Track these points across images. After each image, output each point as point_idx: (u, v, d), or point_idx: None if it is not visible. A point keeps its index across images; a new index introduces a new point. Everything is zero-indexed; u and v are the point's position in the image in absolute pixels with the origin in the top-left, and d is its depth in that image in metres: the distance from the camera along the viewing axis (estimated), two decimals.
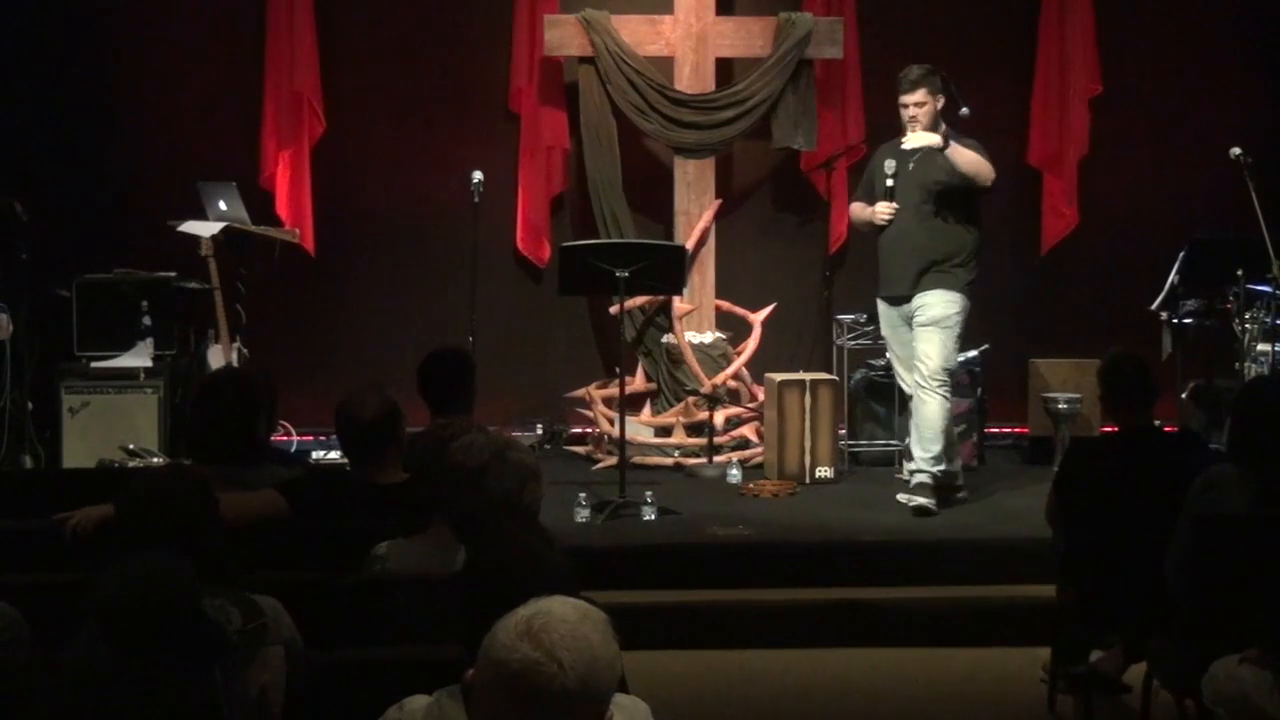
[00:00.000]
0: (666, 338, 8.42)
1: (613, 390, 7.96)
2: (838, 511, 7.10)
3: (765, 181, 9.05)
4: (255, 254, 8.21)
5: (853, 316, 8.04)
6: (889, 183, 7.10)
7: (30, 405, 7.87)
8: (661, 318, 8.45)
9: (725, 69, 8.57)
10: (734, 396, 8.37)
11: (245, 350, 8.06)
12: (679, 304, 8.23)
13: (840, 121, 8.79)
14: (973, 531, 6.74)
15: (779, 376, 7.93)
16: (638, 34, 8.38)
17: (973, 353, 8.18)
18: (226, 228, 7.95)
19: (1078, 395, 7.98)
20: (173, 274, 8.07)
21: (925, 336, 7.00)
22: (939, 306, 6.99)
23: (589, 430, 8.57)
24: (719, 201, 8.47)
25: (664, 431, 8.29)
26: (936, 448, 6.96)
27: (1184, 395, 8.02)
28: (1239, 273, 7.45)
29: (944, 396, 6.96)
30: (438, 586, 3.43)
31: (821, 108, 8.56)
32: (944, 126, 7.06)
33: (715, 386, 8.14)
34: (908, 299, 7.07)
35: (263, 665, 3.27)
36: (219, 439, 4.66)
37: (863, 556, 6.51)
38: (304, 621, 3.52)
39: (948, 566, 6.44)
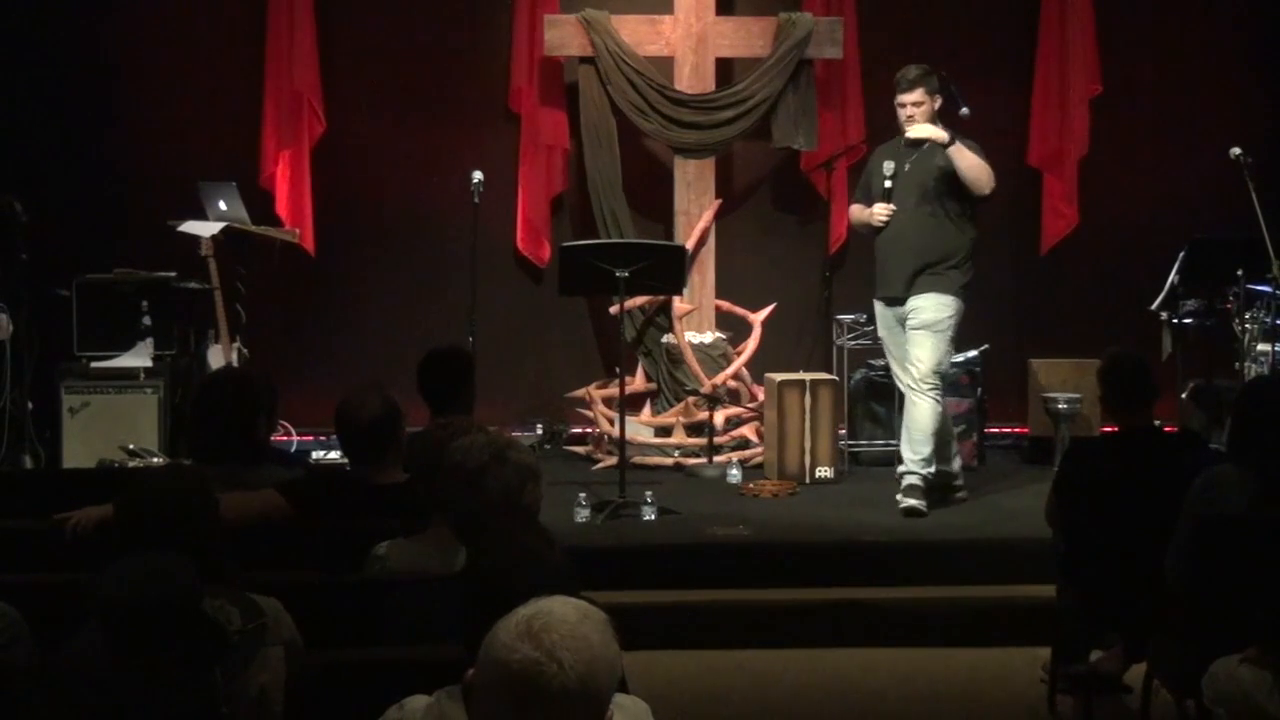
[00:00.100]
0: (666, 338, 8.42)
1: (613, 390, 7.96)
2: (838, 511, 7.10)
3: (765, 181, 9.05)
4: (255, 254, 8.21)
5: (853, 316, 8.04)
6: (886, 184, 7.10)
7: (30, 405, 7.87)
8: (661, 318, 8.45)
9: (725, 69, 8.58)
10: (734, 396, 8.37)
11: (245, 350, 8.06)
12: (679, 304, 8.23)
13: (840, 121, 8.79)
14: (972, 531, 6.74)
15: (779, 376, 7.93)
16: (638, 34, 8.39)
17: (973, 353, 8.19)
18: (226, 228, 7.95)
19: (1078, 395, 7.98)
20: (173, 274, 8.06)
21: (917, 340, 7.00)
22: (931, 310, 6.99)
23: (589, 430, 8.57)
24: (719, 201, 8.47)
25: (664, 431, 8.29)
26: (926, 450, 6.96)
27: (1184, 395, 8.02)
28: (1239, 273, 7.45)
29: (935, 400, 6.96)
30: (438, 586, 3.43)
31: (821, 108, 8.56)
32: (942, 127, 7.06)
33: (715, 386, 8.14)
34: (902, 300, 7.07)
35: (263, 665, 3.27)
36: (219, 439, 4.67)
37: (863, 556, 6.51)
38: (304, 621, 3.52)
39: (948, 566, 6.44)
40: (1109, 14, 8.85)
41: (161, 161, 8.72)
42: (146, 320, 7.90)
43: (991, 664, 5.87)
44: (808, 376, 7.90)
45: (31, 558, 4.32)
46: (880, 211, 7.10)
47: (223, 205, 8.02)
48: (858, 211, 7.35)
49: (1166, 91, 9.07)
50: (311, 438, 8.40)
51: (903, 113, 7.09)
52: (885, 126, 7.50)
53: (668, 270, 7.28)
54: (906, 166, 7.10)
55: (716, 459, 8.00)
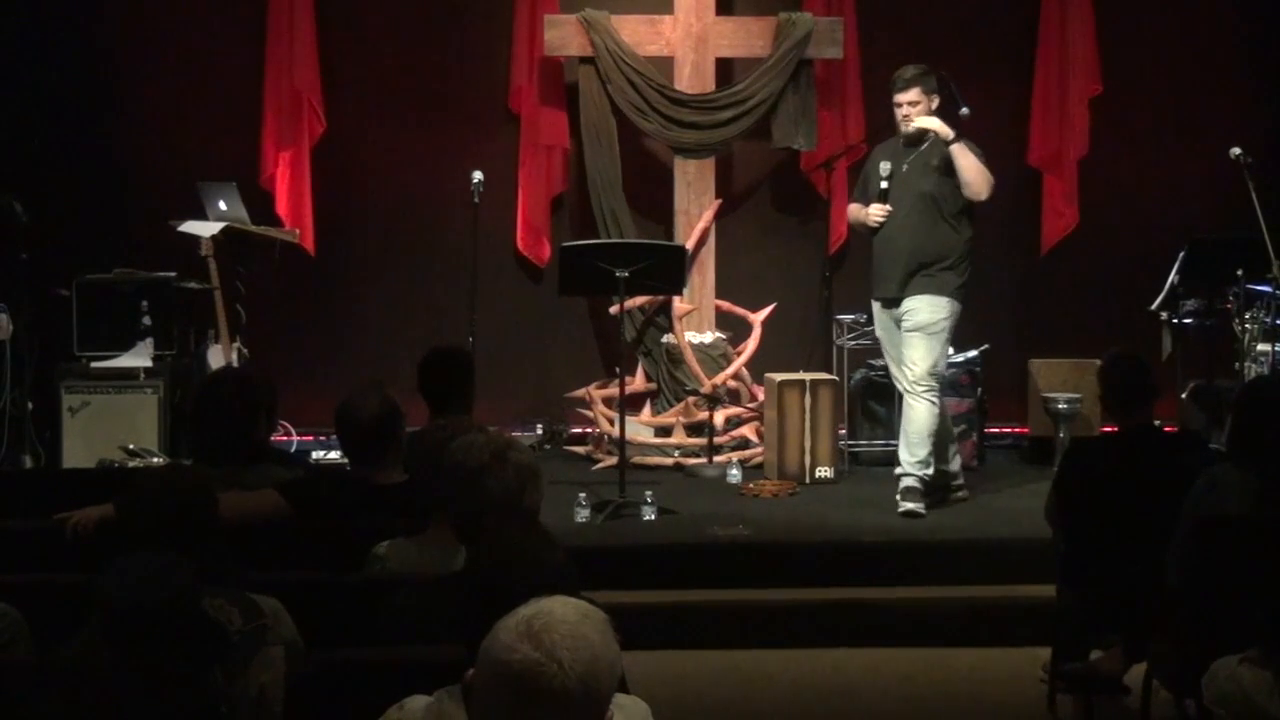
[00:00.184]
0: (666, 338, 8.42)
1: (613, 390, 7.96)
2: (838, 511, 7.10)
3: (765, 181, 9.04)
4: (255, 254, 8.21)
5: (853, 316, 8.04)
6: (882, 184, 7.09)
7: (30, 405, 7.87)
8: (661, 318, 8.45)
9: (725, 69, 8.57)
10: (734, 396, 8.37)
11: (245, 350, 8.06)
12: (679, 304, 8.23)
13: (840, 121, 8.79)
14: (972, 531, 6.74)
15: (779, 376, 7.93)
16: (638, 34, 8.38)
17: (973, 353, 8.19)
18: (226, 228, 7.95)
19: (1078, 395, 7.98)
20: (173, 274, 8.06)
21: (911, 342, 6.99)
22: (925, 312, 6.98)
23: (589, 430, 8.57)
24: (719, 201, 8.47)
25: (664, 431, 8.29)
26: (923, 452, 6.96)
27: (1184, 395, 8.01)
28: (1239, 273, 7.44)
29: (930, 401, 6.95)
30: (438, 586, 3.43)
31: (821, 108, 8.56)
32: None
33: (715, 386, 8.14)
34: (898, 301, 7.06)
35: (263, 665, 3.27)
36: (219, 439, 4.67)
37: (863, 556, 6.51)
38: (304, 621, 3.52)
39: (948, 566, 6.44)
40: (1109, 14, 8.85)
41: (161, 161, 8.72)
42: (146, 320, 7.90)
43: (991, 664, 5.87)
44: (808, 376, 7.90)
45: (31, 558, 4.32)
46: (875, 212, 7.10)
47: (223, 205, 8.02)
48: (855, 210, 7.35)
49: (1166, 91, 9.06)
50: (311, 438, 8.40)
51: (898, 112, 7.09)
52: (885, 126, 7.50)
53: (668, 270, 7.28)
54: (904, 167, 7.10)
55: (716, 459, 8.00)
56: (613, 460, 7.57)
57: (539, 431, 8.74)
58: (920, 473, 6.96)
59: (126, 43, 8.83)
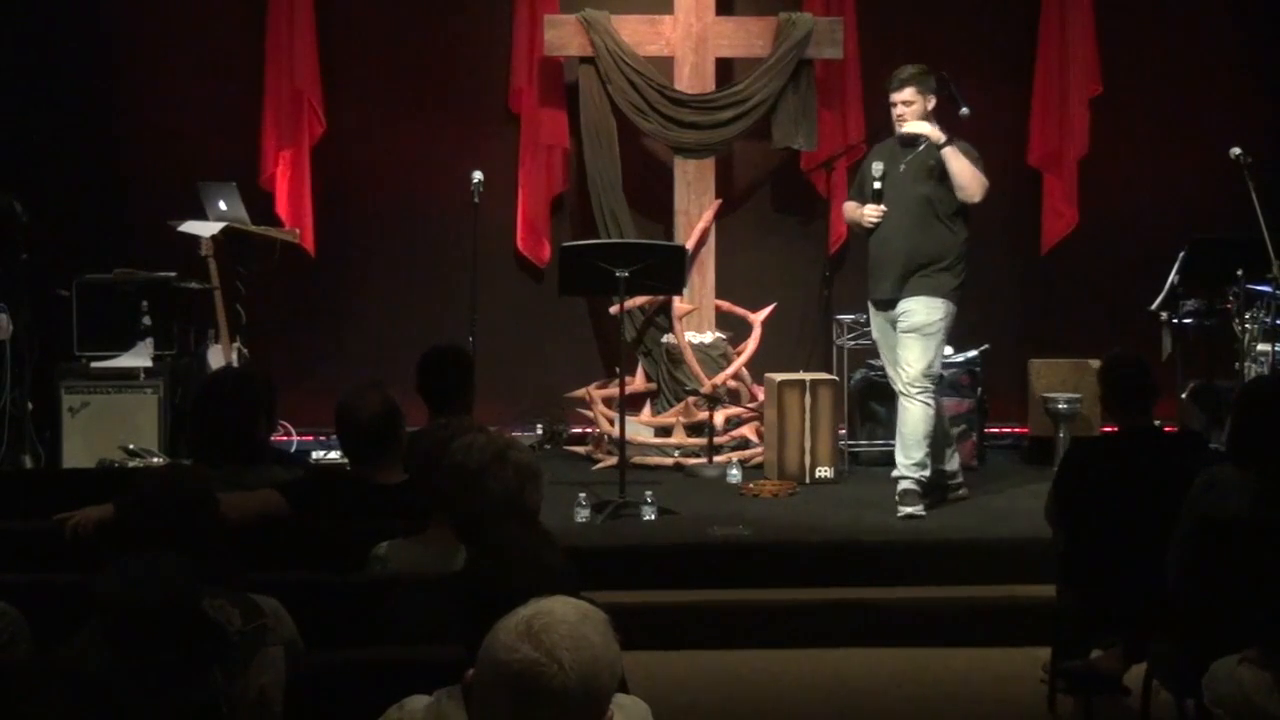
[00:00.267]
0: (666, 338, 8.42)
1: (613, 390, 7.96)
2: (838, 511, 7.10)
3: (765, 181, 9.04)
4: (255, 254, 8.21)
5: (853, 316, 8.04)
6: (876, 185, 7.08)
7: (30, 405, 7.87)
8: (661, 318, 8.45)
9: (725, 69, 8.57)
10: (734, 396, 8.37)
11: (245, 350, 8.06)
12: (679, 304, 8.23)
13: (840, 121, 8.79)
14: (972, 531, 6.74)
15: (779, 376, 7.93)
16: (638, 34, 8.38)
17: (973, 353, 8.19)
18: (226, 228, 7.95)
19: (1078, 395, 7.98)
20: (173, 274, 8.06)
21: (906, 344, 6.98)
22: (920, 313, 6.96)
23: (589, 430, 8.57)
24: (719, 201, 8.47)
25: (664, 431, 8.29)
26: (919, 454, 6.95)
27: (1184, 395, 8.01)
28: (1239, 273, 7.44)
29: (925, 403, 6.94)
30: (438, 586, 3.43)
31: (821, 108, 8.56)
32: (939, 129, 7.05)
33: (715, 386, 8.14)
34: (893, 303, 7.05)
35: (263, 666, 3.26)
36: (219, 439, 4.67)
37: (863, 556, 6.51)
38: (304, 621, 3.51)
39: (948, 566, 6.44)
40: (1109, 14, 8.84)
41: (161, 161, 8.72)
42: (146, 320, 7.90)
43: (991, 664, 5.87)
44: (808, 376, 7.90)
45: (31, 558, 4.32)
46: (870, 213, 7.09)
47: (223, 205, 8.02)
48: (850, 209, 7.35)
49: (1166, 91, 9.06)
50: (311, 438, 8.40)
51: (894, 111, 7.09)
52: (885, 126, 7.49)
53: (668, 270, 7.28)
54: (901, 167, 7.09)
55: (716, 459, 8.00)
56: (613, 460, 7.57)
57: (539, 431, 8.74)
58: (917, 475, 6.96)
59: (126, 43, 8.83)
